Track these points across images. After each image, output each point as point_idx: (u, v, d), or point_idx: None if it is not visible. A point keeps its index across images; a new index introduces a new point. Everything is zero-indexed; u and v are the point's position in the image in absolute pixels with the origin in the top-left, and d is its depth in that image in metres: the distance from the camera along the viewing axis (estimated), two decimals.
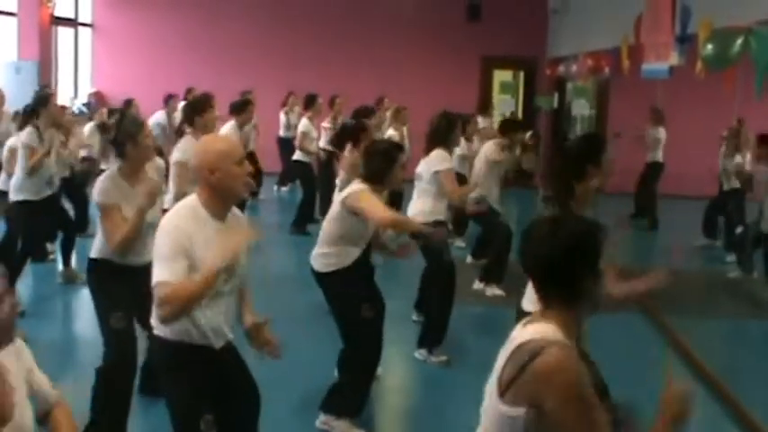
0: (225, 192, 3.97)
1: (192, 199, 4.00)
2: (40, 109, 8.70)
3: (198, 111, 7.64)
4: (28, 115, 8.80)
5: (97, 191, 5.35)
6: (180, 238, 3.81)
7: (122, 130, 5.47)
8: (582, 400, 2.56)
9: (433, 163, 7.62)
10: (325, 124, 13.24)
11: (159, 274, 3.78)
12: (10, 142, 9.25)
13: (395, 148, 6.10)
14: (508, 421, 2.63)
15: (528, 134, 10.55)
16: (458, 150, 9.86)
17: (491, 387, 2.74)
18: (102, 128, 11.58)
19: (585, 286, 2.72)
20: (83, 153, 11.76)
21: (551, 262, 2.75)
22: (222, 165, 3.91)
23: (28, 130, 8.54)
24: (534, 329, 2.68)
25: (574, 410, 2.56)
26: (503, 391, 2.64)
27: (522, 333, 2.71)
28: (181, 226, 3.86)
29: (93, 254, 5.49)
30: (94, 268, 5.50)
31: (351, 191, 5.76)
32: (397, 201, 11.48)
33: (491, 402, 2.71)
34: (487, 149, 9.85)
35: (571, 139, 17.98)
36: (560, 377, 2.55)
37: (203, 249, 3.84)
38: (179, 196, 5.97)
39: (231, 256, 3.82)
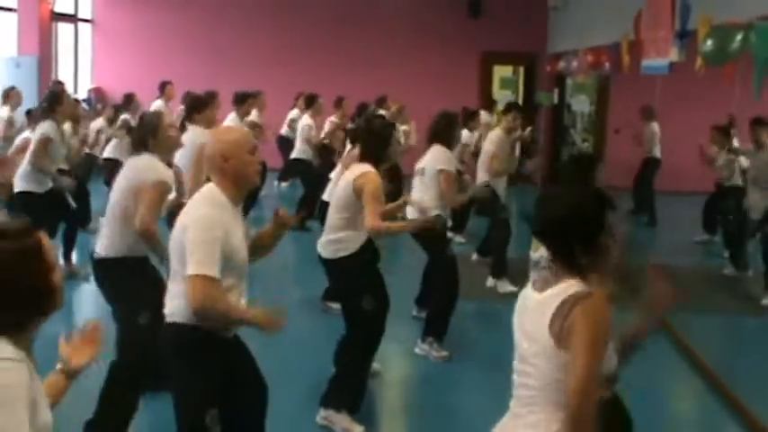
0: (239, 179, 4.07)
1: (210, 187, 4.09)
2: (55, 106, 8.76)
3: (197, 108, 7.75)
4: (45, 112, 8.84)
5: (160, 170, 5.47)
6: (211, 228, 3.88)
7: (143, 128, 5.70)
8: (599, 340, 2.85)
9: (437, 160, 7.62)
10: (333, 119, 13.27)
11: (198, 267, 3.82)
12: (23, 136, 9.30)
13: (388, 125, 6.32)
14: (566, 362, 2.89)
15: (527, 130, 10.57)
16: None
17: (538, 342, 2.95)
18: (128, 130, 11.63)
19: (579, 257, 2.97)
20: (85, 150, 11.80)
21: (546, 230, 3.11)
22: (236, 152, 4.04)
23: (48, 122, 8.61)
24: (565, 286, 2.95)
25: (584, 339, 2.82)
26: (560, 342, 2.88)
27: (554, 292, 2.95)
28: (211, 214, 3.94)
29: (112, 253, 5.46)
30: (111, 266, 5.48)
31: (361, 173, 5.82)
32: (396, 183, 11.52)
33: (549, 358, 2.92)
34: (492, 138, 9.90)
35: (572, 135, 18.01)
36: (591, 314, 2.85)
37: (233, 234, 3.97)
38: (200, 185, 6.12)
39: (266, 326, 3.95)
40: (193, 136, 7.39)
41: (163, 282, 4.06)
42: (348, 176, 5.96)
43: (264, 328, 3.96)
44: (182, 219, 4.01)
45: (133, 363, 5.39)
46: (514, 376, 3.10)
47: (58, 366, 3.01)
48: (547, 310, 2.91)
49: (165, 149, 5.66)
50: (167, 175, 5.55)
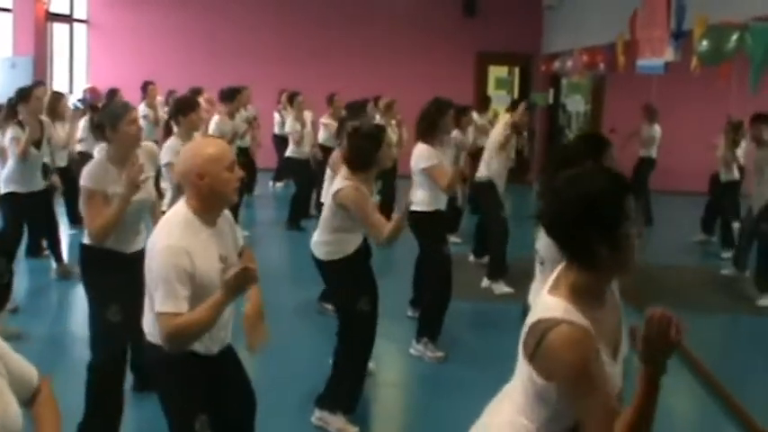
0: (214, 198, 3.83)
1: (180, 207, 3.86)
2: (20, 104, 8.72)
3: (182, 111, 7.71)
4: (10, 110, 8.82)
5: (84, 174, 5.24)
6: (176, 260, 3.65)
7: (104, 114, 5.47)
8: (584, 380, 2.57)
9: (417, 160, 7.51)
10: (324, 120, 13.26)
11: (161, 304, 3.65)
12: None
13: (378, 129, 6.08)
14: (541, 389, 2.68)
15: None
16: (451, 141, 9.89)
17: (521, 348, 2.76)
18: (93, 109, 11.60)
19: (599, 252, 2.61)
20: (78, 148, 11.76)
21: (559, 222, 2.70)
22: (211, 170, 3.77)
23: (11, 127, 8.61)
24: (548, 305, 2.68)
25: (577, 389, 2.59)
26: (530, 360, 2.68)
27: (540, 306, 2.72)
28: (175, 245, 3.69)
29: (86, 240, 5.40)
30: (87, 255, 5.42)
31: (341, 188, 5.73)
32: (389, 199, 11.49)
33: (523, 363, 2.74)
34: (495, 133, 9.87)
35: (567, 135, 18.00)
36: (564, 356, 2.58)
37: (202, 260, 3.73)
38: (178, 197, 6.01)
39: (235, 292, 3.64)
40: (171, 150, 7.31)
41: (142, 284, 3.88)
42: (332, 188, 5.90)
43: (240, 291, 3.66)
44: (151, 243, 3.80)
45: (107, 361, 5.36)
46: None
47: None
48: (528, 321, 2.73)
49: (123, 144, 5.32)
50: (97, 178, 5.23)
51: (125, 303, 5.12)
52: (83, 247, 5.44)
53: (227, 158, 3.85)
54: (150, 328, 3.89)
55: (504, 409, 2.89)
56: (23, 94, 8.81)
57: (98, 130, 5.43)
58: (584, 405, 2.61)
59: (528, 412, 2.75)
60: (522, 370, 2.75)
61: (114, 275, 5.24)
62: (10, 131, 8.59)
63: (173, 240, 3.70)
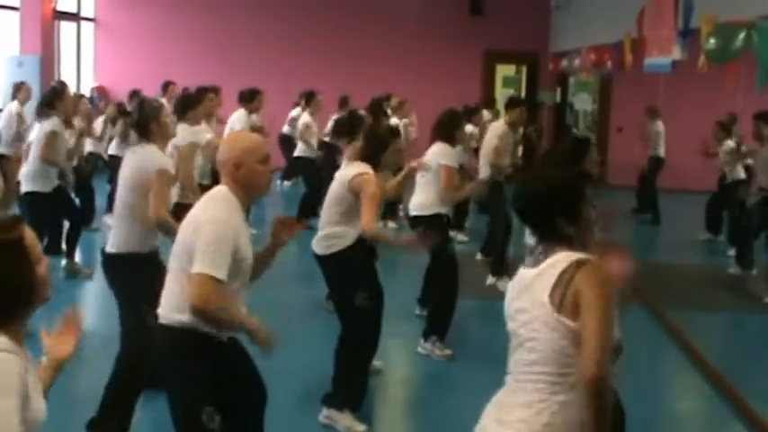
0: (249, 188, 4.02)
1: (223, 189, 4.02)
2: (56, 102, 8.78)
3: (188, 106, 7.92)
4: (45, 108, 8.83)
5: (160, 159, 5.53)
6: (225, 230, 3.84)
7: (145, 112, 5.72)
8: (603, 302, 2.82)
9: (439, 155, 7.59)
10: (336, 117, 13.27)
11: (203, 266, 3.76)
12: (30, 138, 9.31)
13: (389, 133, 6.35)
14: (574, 329, 2.87)
15: (530, 129, 10.56)
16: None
17: (538, 314, 2.93)
18: (123, 113, 11.63)
19: (564, 231, 3.01)
20: (89, 148, 11.81)
21: (530, 207, 3.14)
22: (246, 161, 3.96)
23: (54, 118, 8.64)
24: (565, 255, 2.96)
25: (593, 306, 2.81)
26: (562, 310, 2.88)
27: (553, 262, 2.96)
28: (224, 217, 3.89)
29: (121, 248, 5.47)
30: (123, 261, 5.48)
31: (358, 174, 5.81)
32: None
33: (552, 329, 2.90)
34: (496, 131, 9.83)
35: (575, 133, 18.01)
36: (596, 278, 2.86)
37: (242, 238, 3.94)
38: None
39: (261, 342, 3.92)
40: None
41: (162, 276, 4.02)
42: (345, 173, 5.96)
43: (258, 343, 3.92)
44: (193, 218, 3.95)
45: (138, 360, 5.39)
46: (510, 359, 3.09)
47: (43, 360, 2.96)
48: (547, 280, 2.91)
49: (165, 136, 5.77)
50: (168, 162, 5.67)
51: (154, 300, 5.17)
52: (118, 255, 5.50)
53: (261, 152, 4.05)
54: (165, 311, 3.95)
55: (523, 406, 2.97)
56: (59, 93, 8.93)
57: (143, 129, 5.65)
58: (593, 329, 2.79)
59: (558, 378, 2.89)
60: (547, 329, 2.91)
61: (145, 275, 5.31)
62: (51, 123, 8.61)
63: (222, 214, 3.92)
